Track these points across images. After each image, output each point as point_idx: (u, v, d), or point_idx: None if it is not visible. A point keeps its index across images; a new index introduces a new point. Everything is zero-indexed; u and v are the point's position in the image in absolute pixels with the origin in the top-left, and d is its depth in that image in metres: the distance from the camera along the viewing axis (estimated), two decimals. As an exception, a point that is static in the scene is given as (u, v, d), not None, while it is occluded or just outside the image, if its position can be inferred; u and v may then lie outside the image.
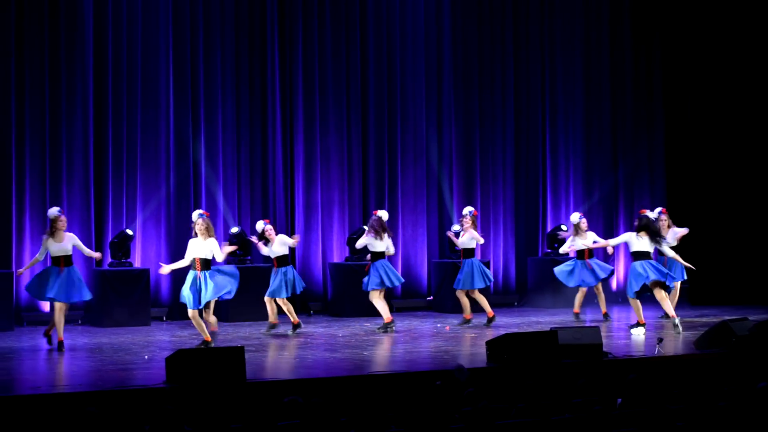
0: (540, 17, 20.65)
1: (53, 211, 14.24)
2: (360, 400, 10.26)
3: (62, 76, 17.47)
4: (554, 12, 20.71)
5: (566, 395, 10.12)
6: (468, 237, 16.44)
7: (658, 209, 16.99)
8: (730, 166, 20.28)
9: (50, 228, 14.13)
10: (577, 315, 16.90)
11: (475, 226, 16.57)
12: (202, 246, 13.89)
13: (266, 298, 15.49)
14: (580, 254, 16.84)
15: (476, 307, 16.64)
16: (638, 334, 14.91)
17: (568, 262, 17.15)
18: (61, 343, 13.85)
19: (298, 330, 15.39)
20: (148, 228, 17.87)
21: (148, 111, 18.02)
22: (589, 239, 16.74)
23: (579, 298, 17.00)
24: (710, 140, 20.42)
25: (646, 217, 15.44)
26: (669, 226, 16.89)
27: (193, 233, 14.06)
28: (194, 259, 13.86)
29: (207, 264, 13.84)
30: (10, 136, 17.19)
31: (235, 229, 17.55)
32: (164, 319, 17.40)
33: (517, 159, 20.51)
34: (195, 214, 14.36)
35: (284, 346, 14.24)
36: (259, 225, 15.64)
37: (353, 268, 17.80)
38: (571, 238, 16.92)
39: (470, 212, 16.52)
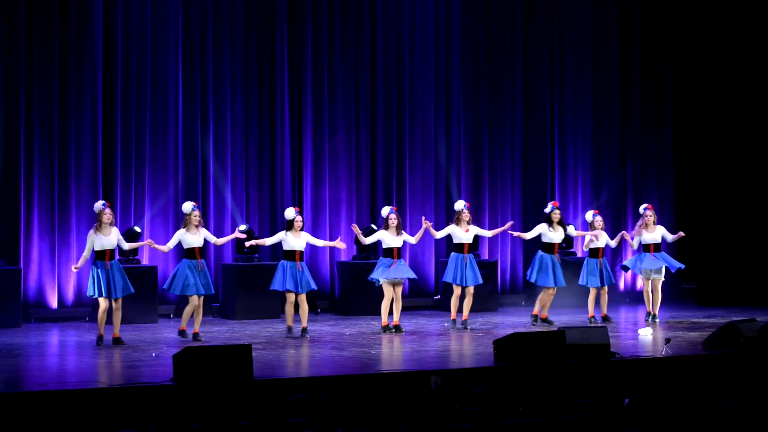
0: (549, 17, 20.63)
1: (98, 205, 14.33)
2: (367, 398, 10.26)
3: (71, 73, 17.50)
4: (563, 12, 20.70)
5: (573, 395, 10.11)
6: (474, 232, 16.19)
7: (644, 205, 17.02)
8: (738, 167, 20.26)
9: (97, 222, 14.19)
10: (591, 318, 16.64)
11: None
12: (198, 236, 14.65)
13: (291, 296, 14.98)
14: (593, 253, 16.60)
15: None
16: (646, 334, 14.90)
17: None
18: (101, 338, 14.09)
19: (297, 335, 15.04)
20: (156, 225, 17.89)
21: (156, 108, 18.05)
22: (603, 239, 16.59)
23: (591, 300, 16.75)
24: (719, 141, 20.40)
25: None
26: (654, 223, 16.77)
27: (183, 224, 14.73)
28: (193, 248, 14.61)
29: (202, 253, 14.80)
30: (18, 133, 17.23)
31: (243, 227, 17.55)
32: (172, 316, 17.41)
33: (526, 158, 20.50)
34: (188, 206, 14.64)
35: (291, 344, 14.24)
36: (290, 212, 15.12)
37: (361, 267, 17.81)
38: (588, 233, 16.71)
39: (465, 206, 16.23)
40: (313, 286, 15.16)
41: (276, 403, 10.00)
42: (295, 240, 14.98)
